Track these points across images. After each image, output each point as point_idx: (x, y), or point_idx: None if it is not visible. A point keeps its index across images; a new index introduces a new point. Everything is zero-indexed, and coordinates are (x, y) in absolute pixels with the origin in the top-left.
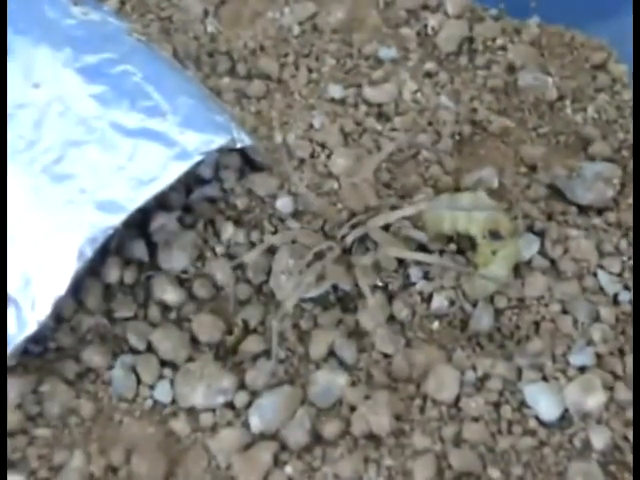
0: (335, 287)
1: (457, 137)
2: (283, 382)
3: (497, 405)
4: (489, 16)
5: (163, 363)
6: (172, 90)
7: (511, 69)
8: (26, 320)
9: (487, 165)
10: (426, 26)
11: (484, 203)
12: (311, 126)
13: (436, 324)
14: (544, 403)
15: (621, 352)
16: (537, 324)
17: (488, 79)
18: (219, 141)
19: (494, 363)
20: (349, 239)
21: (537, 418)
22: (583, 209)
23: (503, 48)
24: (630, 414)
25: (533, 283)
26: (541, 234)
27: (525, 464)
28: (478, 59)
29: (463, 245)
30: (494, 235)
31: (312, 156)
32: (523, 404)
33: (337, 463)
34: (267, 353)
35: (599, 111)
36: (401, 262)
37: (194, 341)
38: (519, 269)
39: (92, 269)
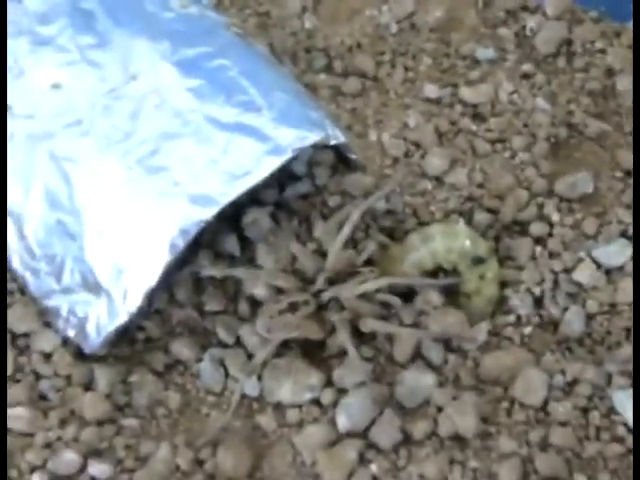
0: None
1: (553, 140)
2: (370, 381)
3: (585, 410)
4: (589, 18)
5: (251, 357)
6: (267, 85)
7: (609, 73)
8: (117, 310)
9: (582, 169)
10: (524, 27)
11: (456, 230)
12: (406, 125)
13: (528, 328)
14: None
15: None
16: (628, 330)
17: (586, 82)
18: (313, 137)
19: (583, 368)
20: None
21: (625, 425)
22: None
23: (602, 51)
24: None
25: (625, 288)
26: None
27: (612, 471)
28: (576, 62)
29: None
30: (476, 260)
31: (406, 155)
32: (612, 410)
33: (422, 463)
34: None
35: None
36: None
37: None
38: (611, 274)
39: (183, 262)
